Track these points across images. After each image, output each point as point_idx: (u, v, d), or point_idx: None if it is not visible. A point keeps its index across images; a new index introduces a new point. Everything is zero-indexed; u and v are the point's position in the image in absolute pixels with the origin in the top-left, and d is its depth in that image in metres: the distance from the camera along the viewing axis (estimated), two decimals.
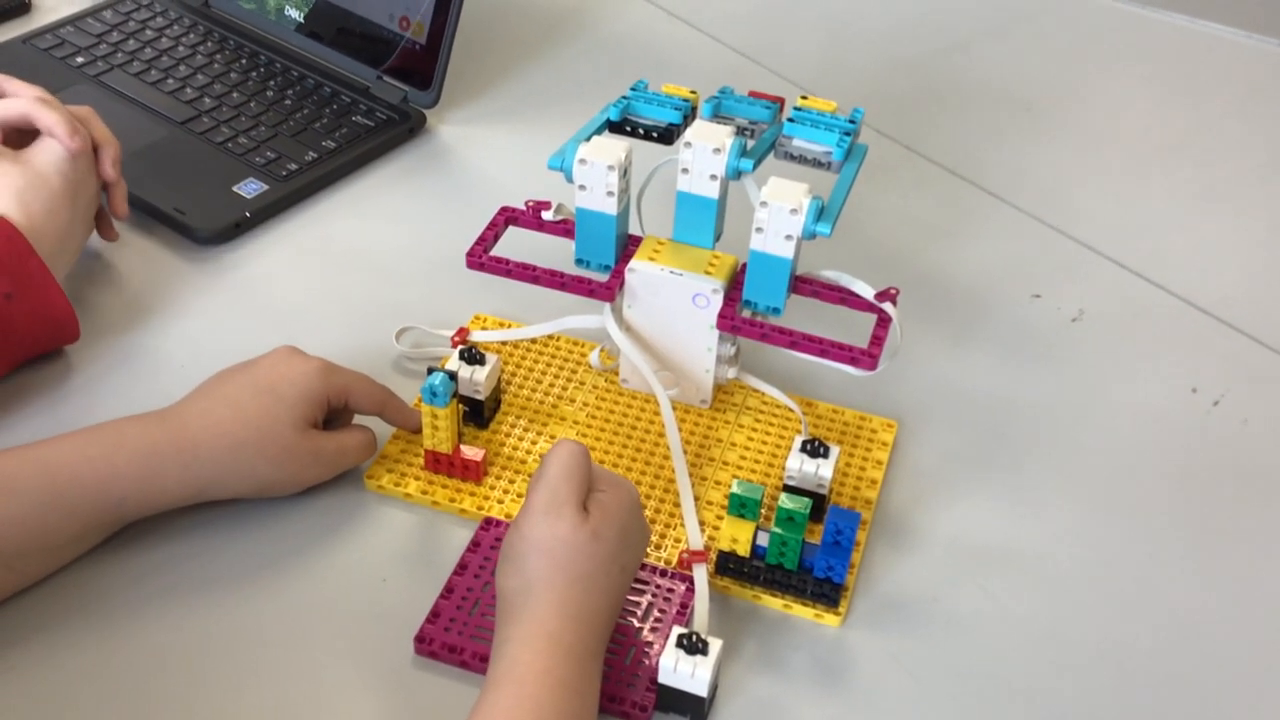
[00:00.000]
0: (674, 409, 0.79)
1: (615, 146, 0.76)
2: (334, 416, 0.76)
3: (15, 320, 0.78)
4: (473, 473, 0.76)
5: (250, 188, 0.97)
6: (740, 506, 0.69)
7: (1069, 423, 0.84)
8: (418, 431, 0.77)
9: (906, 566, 0.74)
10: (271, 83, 1.07)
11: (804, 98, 0.81)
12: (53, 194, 0.82)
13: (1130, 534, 0.77)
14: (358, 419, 0.77)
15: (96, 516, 0.69)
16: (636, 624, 0.69)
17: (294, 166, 0.99)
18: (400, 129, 1.04)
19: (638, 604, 0.70)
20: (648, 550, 0.73)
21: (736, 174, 0.76)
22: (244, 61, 1.10)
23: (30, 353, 0.81)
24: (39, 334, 0.81)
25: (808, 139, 0.78)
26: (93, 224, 0.88)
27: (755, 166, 0.76)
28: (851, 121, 0.79)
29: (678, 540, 0.74)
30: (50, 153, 0.84)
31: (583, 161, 0.75)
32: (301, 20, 1.11)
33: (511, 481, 0.77)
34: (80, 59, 1.09)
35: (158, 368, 0.83)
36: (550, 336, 0.86)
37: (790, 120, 0.79)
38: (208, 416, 0.71)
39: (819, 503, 0.73)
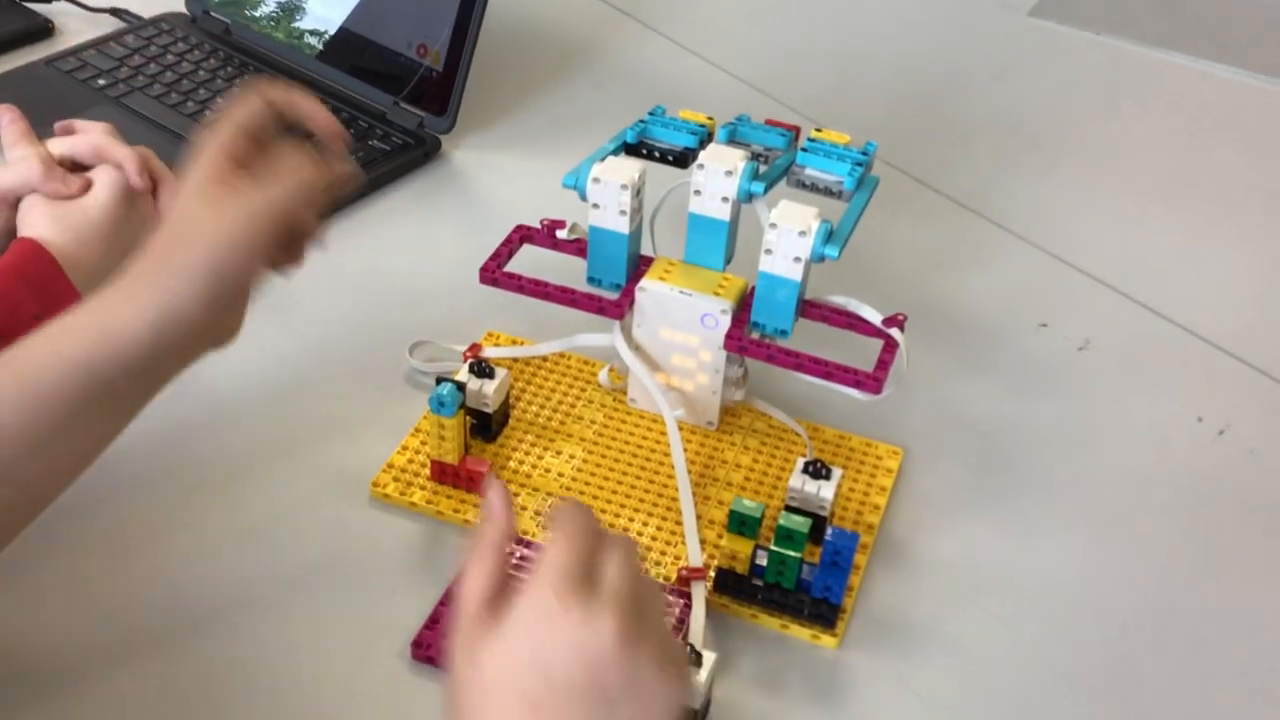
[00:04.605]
0: (680, 429, 0.80)
1: (629, 166, 0.77)
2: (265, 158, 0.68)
3: None
4: (478, 484, 0.76)
5: None
6: (740, 524, 0.70)
7: (1075, 451, 0.84)
8: (334, 131, 0.70)
9: (907, 591, 0.74)
10: None
11: (818, 130, 0.82)
12: (90, 224, 0.83)
13: (1135, 562, 0.77)
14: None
15: (72, 396, 0.62)
16: None
17: None
18: (416, 154, 1.06)
19: None
20: (647, 566, 0.73)
21: (748, 197, 0.77)
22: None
23: None
24: None
25: (820, 168, 0.79)
26: None
27: (767, 190, 0.77)
28: (864, 154, 0.80)
29: (678, 557, 0.74)
30: (96, 187, 0.84)
31: (596, 180, 0.76)
32: (320, 47, 1.13)
33: (515, 495, 0.77)
34: (102, 81, 1.10)
35: (176, 387, 0.83)
36: (561, 354, 0.86)
37: (804, 150, 0.80)
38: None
39: (820, 524, 0.74)
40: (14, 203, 0.84)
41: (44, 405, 0.62)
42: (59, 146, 0.86)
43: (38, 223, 0.82)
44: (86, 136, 0.86)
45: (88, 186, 0.84)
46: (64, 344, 0.62)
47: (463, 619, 0.54)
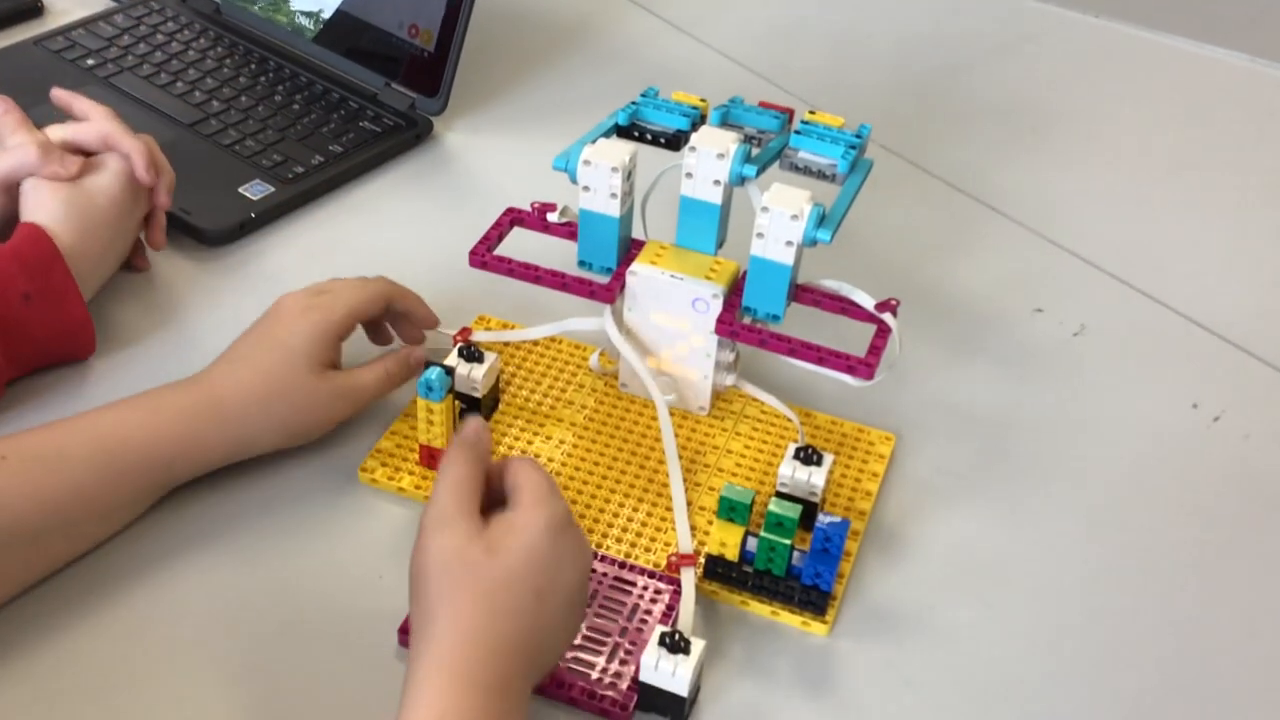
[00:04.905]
0: (672, 414, 0.79)
1: (620, 149, 0.76)
2: (374, 331, 0.83)
3: (31, 324, 0.78)
4: None
5: (256, 189, 0.97)
6: (730, 510, 0.69)
7: (1070, 436, 0.84)
8: (432, 323, 0.83)
9: (898, 578, 0.74)
10: (280, 87, 1.08)
11: (812, 112, 0.81)
12: (97, 212, 0.82)
13: (1130, 548, 0.77)
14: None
15: (147, 480, 0.72)
16: (621, 623, 0.69)
17: (300, 169, 0.99)
18: (407, 135, 1.05)
19: (623, 604, 0.70)
20: (635, 554, 0.73)
21: (740, 180, 0.76)
22: (253, 66, 1.10)
23: (42, 360, 0.81)
24: (53, 342, 0.80)
25: (814, 151, 0.78)
26: (126, 253, 0.88)
27: (759, 173, 0.76)
28: (858, 136, 0.79)
29: (668, 544, 0.74)
30: (105, 176, 0.84)
31: (587, 162, 0.75)
32: (311, 27, 1.12)
33: None
34: (91, 61, 1.09)
35: (164, 364, 0.83)
36: (551, 339, 0.86)
37: (797, 132, 0.79)
38: (232, 377, 0.74)
39: (811, 510, 0.73)
40: (12, 187, 0.84)
41: (123, 483, 0.71)
42: (65, 131, 0.85)
43: (44, 208, 0.81)
44: (93, 125, 0.86)
45: (86, 168, 0.84)
46: (154, 438, 0.71)
47: (465, 505, 0.62)
